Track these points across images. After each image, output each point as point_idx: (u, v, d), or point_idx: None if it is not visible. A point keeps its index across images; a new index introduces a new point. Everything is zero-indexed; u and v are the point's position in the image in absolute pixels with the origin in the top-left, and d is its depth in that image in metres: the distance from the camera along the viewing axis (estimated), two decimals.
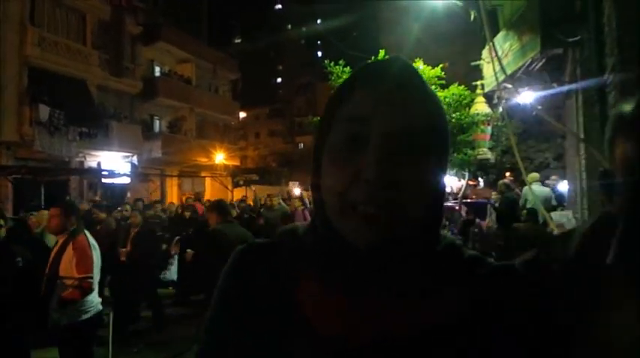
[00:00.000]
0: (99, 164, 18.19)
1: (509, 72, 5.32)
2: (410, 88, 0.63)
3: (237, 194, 20.39)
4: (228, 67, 29.00)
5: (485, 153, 10.14)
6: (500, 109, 7.38)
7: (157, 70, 23.30)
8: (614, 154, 0.69)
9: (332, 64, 10.27)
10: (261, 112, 49.56)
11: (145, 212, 8.80)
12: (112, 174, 16.89)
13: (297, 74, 48.89)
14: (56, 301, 3.49)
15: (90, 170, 17.45)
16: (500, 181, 8.77)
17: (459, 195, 11.78)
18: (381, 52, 8.73)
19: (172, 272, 7.77)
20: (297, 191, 15.46)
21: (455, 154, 10.06)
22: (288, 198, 14.23)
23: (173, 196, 22.12)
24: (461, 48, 11.36)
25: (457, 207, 10.45)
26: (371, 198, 0.57)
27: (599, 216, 0.75)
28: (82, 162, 17.47)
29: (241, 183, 23.60)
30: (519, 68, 5.60)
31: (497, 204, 8.08)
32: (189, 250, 5.87)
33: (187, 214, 9.29)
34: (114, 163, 18.55)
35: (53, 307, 3.49)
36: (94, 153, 17.86)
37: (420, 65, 10.02)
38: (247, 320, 0.66)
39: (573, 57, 5.05)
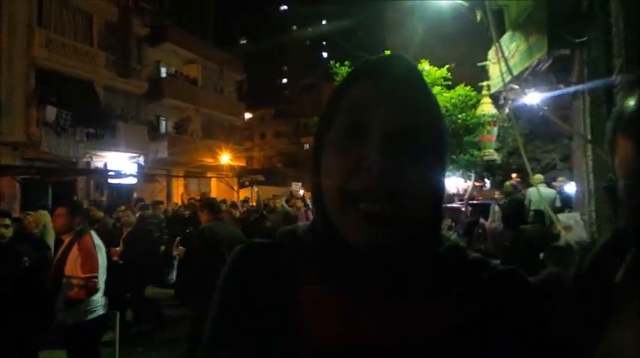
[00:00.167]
0: (105, 164, 18.29)
1: (515, 73, 5.29)
2: (411, 81, 0.65)
3: (243, 195, 20.43)
4: (234, 68, 29.09)
5: (492, 154, 10.09)
6: (507, 110, 7.35)
7: (164, 71, 23.40)
8: (614, 156, 0.67)
9: (337, 64, 10.27)
10: (266, 113, 49.63)
11: (143, 211, 8.80)
12: (118, 174, 16.98)
13: (302, 75, 48.91)
14: (62, 300, 3.51)
15: (97, 170, 17.56)
16: (507, 182, 8.73)
17: (465, 196, 11.74)
18: (387, 53, 8.71)
19: (175, 274, 7.78)
20: (301, 192, 15.45)
21: (461, 155, 10.03)
22: (291, 198, 14.23)
23: (179, 197, 22.20)
24: (467, 49, 11.31)
25: (463, 208, 10.41)
26: (372, 187, 0.57)
27: (613, 233, 0.74)
28: (88, 163, 17.58)
29: (247, 183, 23.60)
30: (526, 69, 5.56)
31: (500, 203, 8.05)
32: (180, 247, 5.88)
33: (187, 213, 9.26)
34: (120, 164, 18.66)
35: (59, 307, 3.51)
36: (100, 153, 17.97)
37: (425, 66, 10.00)
38: (247, 320, 0.65)
39: (580, 58, 5.01)
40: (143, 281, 6.91)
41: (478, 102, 9.88)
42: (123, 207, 8.77)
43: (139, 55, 21.13)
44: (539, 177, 8.26)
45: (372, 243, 0.59)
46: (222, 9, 31.02)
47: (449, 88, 10.29)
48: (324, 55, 49.32)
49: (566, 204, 7.83)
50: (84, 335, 3.57)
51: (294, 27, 52.98)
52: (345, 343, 0.60)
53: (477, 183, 15.05)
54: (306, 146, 46.77)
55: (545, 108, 5.78)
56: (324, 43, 50.91)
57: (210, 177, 24.34)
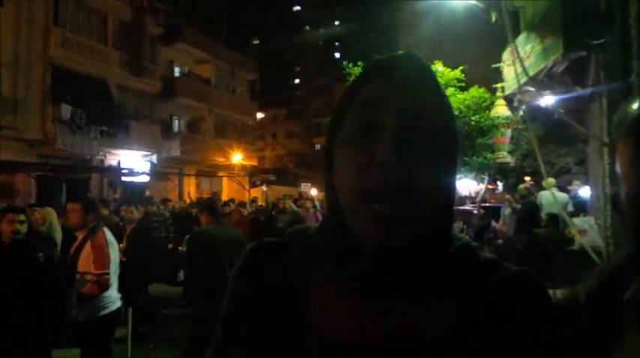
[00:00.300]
0: (119, 162, 18.49)
1: (530, 74, 5.24)
2: (423, 79, 0.65)
3: (254, 194, 20.52)
4: (247, 68, 29.22)
5: (505, 156, 10.01)
6: (521, 112, 7.28)
7: (177, 71, 23.60)
8: (617, 162, 0.65)
9: (350, 65, 10.25)
10: (278, 113, 49.77)
11: (148, 208, 8.81)
12: (131, 172, 17.16)
13: (314, 75, 48.96)
14: (75, 296, 3.54)
15: (110, 168, 17.75)
16: (522, 185, 8.65)
17: (477, 199, 11.65)
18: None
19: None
20: (313, 191, 15.38)
21: (474, 157, 9.96)
22: (300, 199, 14.22)
23: (191, 195, 22.35)
24: (479, 50, 11.24)
25: (475, 211, 10.33)
26: (384, 184, 0.57)
27: (627, 252, 0.73)
28: (102, 161, 17.78)
29: (258, 183, 23.71)
30: (541, 71, 5.51)
31: (514, 206, 7.97)
32: (180, 247, 5.88)
33: (194, 211, 9.30)
34: (133, 162, 18.84)
35: (72, 303, 3.54)
36: (114, 151, 18.16)
37: (439, 67, 9.94)
38: (258, 319, 0.65)
39: (597, 60, 4.95)
40: (146, 278, 6.94)
41: (492, 104, 9.81)
42: (126, 206, 8.81)
43: (152, 55, 21.33)
44: (550, 181, 8.18)
45: (384, 243, 0.59)
46: (235, 9, 31.19)
47: (462, 89, 10.22)
48: (337, 55, 49.34)
49: (581, 208, 7.74)
50: (97, 330, 3.60)
51: (307, 27, 53.06)
52: (356, 343, 0.59)
53: (489, 186, 14.93)
54: (318, 146, 46.79)
55: (561, 110, 5.72)
56: (336, 43, 50.94)
57: (222, 176, 24.46)
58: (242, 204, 10.47)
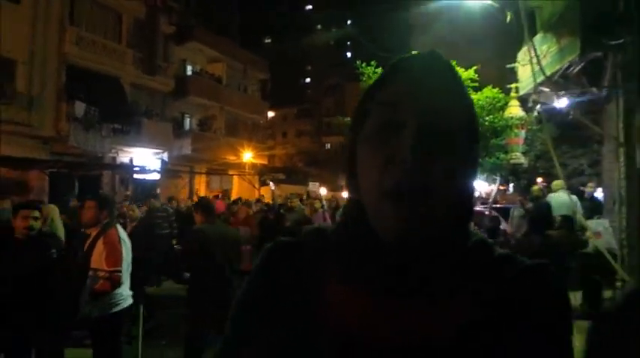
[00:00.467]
0: (131, 160, 18.65)
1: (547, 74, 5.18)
2: (445, 78, 0.64)
3: (264, 192, 20.56)
4: (258, 67, 29.30)
5: (519, 157, 9.91)
6: (536, 113, 7.20)
7: (189, 69, 23.73)
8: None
9: (363, 64, 10.21)
10: (289, 112, 49.82)
11: (151, 203, 8.82)
12: (143, 169, 17.29)
13: (326, 75, 48.93)
14: (88, 293, 3.56)
15: (122, 165, 17.93)
16: (535, 186, 8.55)
17: (489, 200, 11.56)
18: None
19: None
20: (323, 191, 15.27)
21: (487, 158, 9.87)
22: (307, 198, 14.17)
23: (201, 193, 22.46)
24: (493, 50, 11.16)
25: (487, 212, 10.24)
26: (405, 182, 0.57)
27: None
28: (114, 158, 17.96)
29: (268, 181, 23.77)
30: (557, 71, 5.45)
31: (526, 207, 7.88)
32: (176, 246, 5.86)
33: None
34: (145, 159, 18.98)
35: (85, 299, 3.56)
36: (126, 149, 18.33)
37: None
38: (274, 318, 0.65)
39: (614, 60, 4.87)
40: (147, 276, 6.96)
41: (506, 104, 9.71)
42: (126, 203, 8.81)
43: (165, 53, 21.46)
44: (559, 183, 8.06)
45: (402, 241, 0.59)
46: (247, 9, 31.29)
47: (476, 89, 10.13)
48: (349, 55, 49.25)
49: (595, 210, 7.62)
50: (109, 327, 3.63)
51: (319, 27, 53.03)
52: (371, 341, 0.59)
53: (500, 187, 14.81)
54: (328, 145, 46.75)
55: (575, 111, 5.65)
56: (348, 43, 50.83)
57: (232, 175, 24.56)
58: (247, 203, 10.43)
